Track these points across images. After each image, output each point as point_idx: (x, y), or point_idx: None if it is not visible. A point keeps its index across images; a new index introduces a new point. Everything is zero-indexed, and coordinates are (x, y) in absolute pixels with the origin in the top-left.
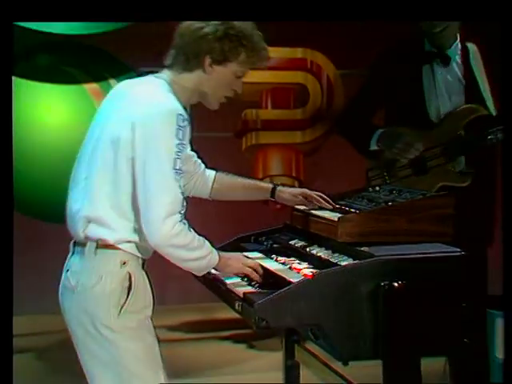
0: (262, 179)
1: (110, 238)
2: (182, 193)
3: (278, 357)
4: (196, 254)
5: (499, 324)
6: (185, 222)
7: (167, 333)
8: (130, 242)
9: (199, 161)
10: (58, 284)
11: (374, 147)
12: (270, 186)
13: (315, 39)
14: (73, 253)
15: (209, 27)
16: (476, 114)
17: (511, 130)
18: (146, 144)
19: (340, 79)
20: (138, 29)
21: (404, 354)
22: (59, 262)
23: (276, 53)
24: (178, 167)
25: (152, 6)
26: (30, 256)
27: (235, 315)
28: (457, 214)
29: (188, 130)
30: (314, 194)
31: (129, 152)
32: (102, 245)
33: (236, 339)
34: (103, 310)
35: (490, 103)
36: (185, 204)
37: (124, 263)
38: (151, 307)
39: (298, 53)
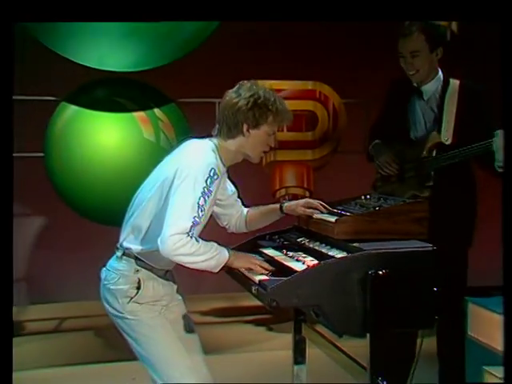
0: (278, 190)
1: (135, 249)
2: (195, 222)
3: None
4: (203, 257)
5: (470, 308)
6: (192, 236)
7: (200, 317)
8: (150, 254)
9: (241, 206)
10: None
11: (371, 153)
12: (278, 205)
13: (323, 74)
14: (113, 253)
15: (241, 101)
16: (437, 140)
17: (511, 131)
18: (181, 181)
19: (343, 107)
20: (176, 66)
21: (386, 328)
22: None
23: (291, 85)
24: (201, 203)
25: (150, 6)
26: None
27: (257, 303)
28: (431, 217)
29: (218, 181)
30: (315, 201)
31: (170, 186)
32: (127, 253)
33: (257, 323)
34: (115, 299)
35: (444, 133)
36: (195, 230)
37: (137, 271)
38: (163, 300)
39: (309, 85)
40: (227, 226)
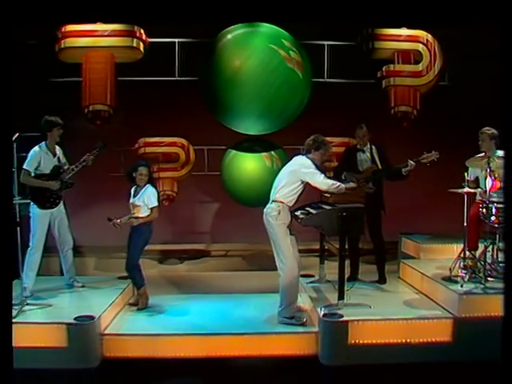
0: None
1: (279, 198)
2: (322, 174)
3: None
4: (339, 186)
5: (402, 239)
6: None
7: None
8: (284, 199)
9: None
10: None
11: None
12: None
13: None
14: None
15: (310, 141)
16: (373, 169)
17: (511, 129)
18: (307, 168)
19: None
20: (284, 130)
21: (345, 234)
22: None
23: (336, 140)
24: (315, 168)
25: (147, 8)
26: (232, 213)
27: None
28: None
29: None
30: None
31: (299, 173)
32: (275, 201)
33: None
34: (271, 219)
35: (378, 165)
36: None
37: (278, 206)
38: (287, 222)
39: (346, 139)
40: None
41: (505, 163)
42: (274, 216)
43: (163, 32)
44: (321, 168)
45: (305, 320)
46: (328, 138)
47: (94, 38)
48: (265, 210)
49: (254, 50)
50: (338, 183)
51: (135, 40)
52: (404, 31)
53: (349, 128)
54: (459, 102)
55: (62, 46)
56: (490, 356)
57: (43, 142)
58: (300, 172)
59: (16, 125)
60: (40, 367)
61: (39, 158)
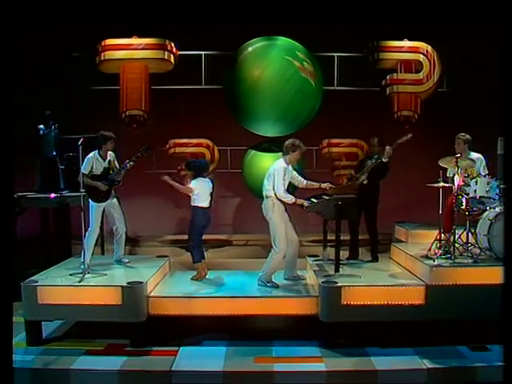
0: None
1: (270, 194)
2: (284, 186)
3: None
4: (289, 199)
5: (395, 226)
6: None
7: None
8: (275, 196)
9: (300, 177)
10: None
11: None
12: (318, 184)
13: (358, 135)
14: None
15: (289, 144)
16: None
17: (511, 130)
18: (276, 174)
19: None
20: (298, 132)
21: (342, 218)
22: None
23: (346, 141)
24: (283, 180)
25: (146, 8)
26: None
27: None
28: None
29: (288, 171)
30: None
31: (273, 176)
32: (268, 195)
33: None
34: (267, 211)
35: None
36: (286, 189)
37: (272, 200)
38: (282, 213)
39: (355, 140)
40: (296, 184)
41: (504, 163)
42: (270, 209)
43: (191, 45)
44: (295, 167)
45: (276, 286)
46: (337, 140)
47: (130, 51)
48: (262, 205)
49: (272, 61)
50: (287, 197)
51: (166, 53)
52: (406, 43)
53: (356, 130)
54: (457, 106)
55: (102, 59)
56: (454, 315)
57: (97, 150)
58: (273, 174)
59: (80, 128)
60: (100, 320)
61: (92, 163)
